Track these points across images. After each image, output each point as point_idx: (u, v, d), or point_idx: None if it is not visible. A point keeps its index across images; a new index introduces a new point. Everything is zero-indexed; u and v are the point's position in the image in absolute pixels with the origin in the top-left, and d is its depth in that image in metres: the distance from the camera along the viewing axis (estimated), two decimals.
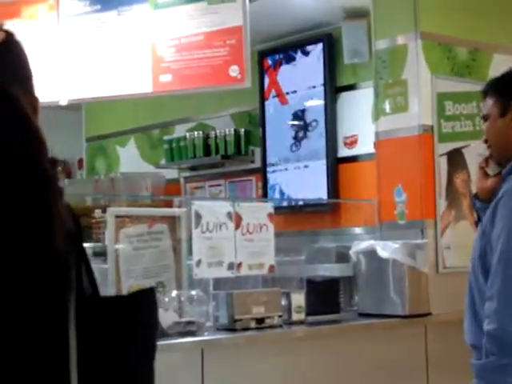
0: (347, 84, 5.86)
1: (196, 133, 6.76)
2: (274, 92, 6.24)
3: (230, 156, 6.57)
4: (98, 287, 1.43)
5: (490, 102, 2.65)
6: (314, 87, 5.97)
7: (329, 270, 4.56)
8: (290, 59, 6.13)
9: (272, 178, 6.24)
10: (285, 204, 6.08)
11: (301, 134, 6.07)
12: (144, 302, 1.43)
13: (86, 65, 4.59)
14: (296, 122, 6.11)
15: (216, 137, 6.65)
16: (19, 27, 4.61)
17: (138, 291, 1.47)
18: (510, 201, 2.42)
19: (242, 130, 6.55)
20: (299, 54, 6.05)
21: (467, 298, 2.59)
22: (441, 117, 4.64)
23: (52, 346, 1.29)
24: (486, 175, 2.70)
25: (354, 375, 4.13)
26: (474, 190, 4.49)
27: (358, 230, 5.42)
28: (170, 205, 5.40)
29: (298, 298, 4.04)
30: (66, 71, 4.60)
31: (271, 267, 4.12)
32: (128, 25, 4.55)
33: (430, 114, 4.60)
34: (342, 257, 4.63)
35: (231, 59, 4.36)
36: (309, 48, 5.99)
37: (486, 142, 2.69)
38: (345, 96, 5.86)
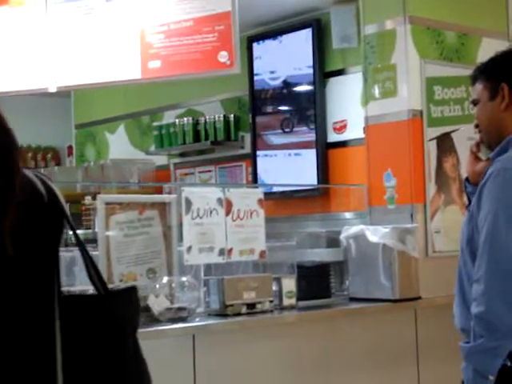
0: (336, 69, 5.86)
1: (185, 119, 6.76)
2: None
3: (220, 142, 6.58)
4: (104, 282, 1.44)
5: (479, 86, 2.64)
6: (300, 69, 5.97)
7: (319, 255, 4.57)
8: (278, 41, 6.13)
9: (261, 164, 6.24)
10: (275, 189, 6.09)
11: (290, 119, 6.08)
12: (118, 301, 1.43)
13: (75, 51, 4.57)
14: (285, 108, 6.12)
15: (205, 123, 6.65)
16: (7, 14, 4.59)
17: (117, 290, 1.46)
18: (495, 183, 2.42)
19: (232, 115, 6.55)
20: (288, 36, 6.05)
21: (456, 282, 2.59)
22: (430, 101, 4.64)
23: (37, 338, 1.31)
24: (477, 158, 2.71)
25: (345, 359, 4.15)
26: (463, 174, 4.52)
27: (347, 215, 5.44)
28: (160, 191, 5.40)
29: (289, 283, 4.05)
30: (54, 58, 4.58)
31: (262, 253, 4.12)
32: (116, 11, 4.53)
33: (419, 99, 4.61)
34: (333, 242, 4.65)
35: (220, 45, 4.35)
36: (297, 33, 5.99)
37: (476, 126, 2.69)
38: (334, 81, 5.86)
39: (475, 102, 2.67)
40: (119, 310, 1.41)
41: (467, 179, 2.73)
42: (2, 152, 1.28)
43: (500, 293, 2.35)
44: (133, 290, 1.47)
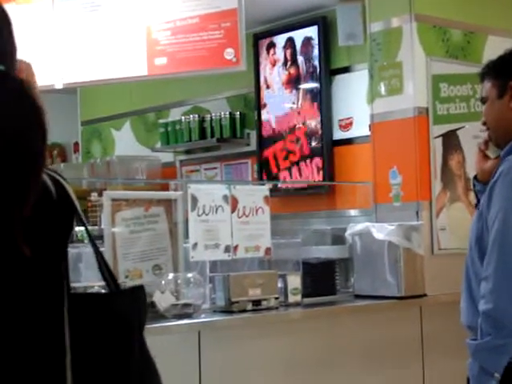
0: (342, 66, 5.86)
1: (191, 116, 6.77)
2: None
3: (226, 139, 6.58)
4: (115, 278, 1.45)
5: (488, 84, 2.64)
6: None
7: (325, 252, 4.58)
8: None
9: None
10: (281, 186, 6.09)
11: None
12: (125, 300, 1.43)
13: (81, 48, 4.58)
14: (292, 105, 6.12)
15: (211, 120, 6.65)
16: (14, 11, 4.60)
17: (124, 289, 1.47)
18: (505, 182, 2.42)
19: (238, 113, 6.56)
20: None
21: (464, 280, 2.60)
22: (436, 99, 4.64)
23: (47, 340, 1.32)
24: (486, 157, 2.71)
25: (350, 356, 4.15)
26: (469, 171, 4.53)
27: (353, 212, 5.44)
28: (166, 188, 5.42)
29: (294, 280, 4.06)
30: (61, 55, 4.59)
31: (267, 250, 4.13)
32: (122, 8, 4.54)
33: (424, 96, 4.61)
34: (338, 239, 4.65)
35: (226, 42, 4.35)
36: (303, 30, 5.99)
37: (484, 124, 2.69)
38: (340, 78, 5.86)
39: (484, 100, 2.67)
40: (126, 309, 1.42)
41: (476, 177, 2.73)
42: (34, 148, 1.27)
43: (508, 291, 2.36)
44: (140, 289, 1.47)
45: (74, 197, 1.40)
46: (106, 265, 1.45)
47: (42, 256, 1.32)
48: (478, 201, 2.64)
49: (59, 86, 4.64)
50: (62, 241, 1.36)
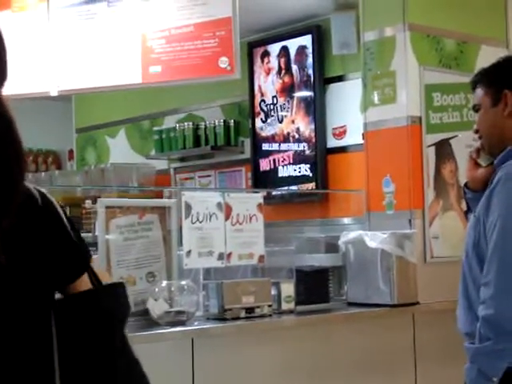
0: (336, 75, 5.89)
1: (186, 124, 6.79)
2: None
3: (220, 147, 6.60)
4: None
5: (480, 92, 2.63)
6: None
7: (318, 259, 4.59)
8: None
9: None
10: (274, 194, 6.11)
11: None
12: (107, 296, 1.46)
13: (77, 56, 4.59)
14: (286, 113, 6.15)
15: (206, 128, 6.68)
16: (9, 19, 4.62)
17: (104, 286, 1.49)
18: (504, 189, 2.43)
19: (232, 120, 6.58)
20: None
21: (461, 286, 2.60)
22: (429, 108, 4.66)
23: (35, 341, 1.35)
24: (477, 165, 2.70)
25: (343, 364, 4.16)
26: (461, 180, 4.55)
27: (346, 220, 5.46)
28: (160, 195, 5.43)
29: (288, 288, 4.07)
30: (56, 62, 4.61)
31: (261, 257, 4.14)
32: (118, 16, 4.56)
33: (418, 105, 4.63)
34: (331, 247, 4.66)
35: (221, 51, 4.37)
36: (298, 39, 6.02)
37: (476, 132, 2.69)
38: (333, 87, 5.89)
39: (476, 108, 2.67)
40: (111, 304, 1.45)
41: (466, 185, 2.74)
42: (7, 166, 1.30)
43: (509, 297, 2.37)
44: (121, 285, 1.51)
45: (57, 205, 1.43)
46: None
47: (29, 260, 1.34)
48: (469, 208, 2.65)
49: (54, 93, 4.65)
50: (49, 245, 1.38)
